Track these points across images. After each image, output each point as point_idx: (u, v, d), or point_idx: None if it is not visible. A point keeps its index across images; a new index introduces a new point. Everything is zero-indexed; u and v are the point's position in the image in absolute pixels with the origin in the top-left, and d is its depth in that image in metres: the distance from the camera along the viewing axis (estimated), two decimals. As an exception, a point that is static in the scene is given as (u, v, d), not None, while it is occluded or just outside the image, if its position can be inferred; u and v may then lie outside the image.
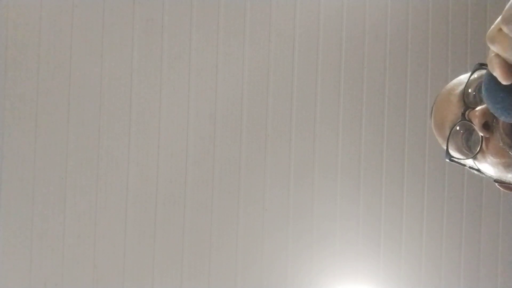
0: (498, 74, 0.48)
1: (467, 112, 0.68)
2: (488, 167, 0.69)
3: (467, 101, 0.69)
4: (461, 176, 2.40)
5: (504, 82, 0.49)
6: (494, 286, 2.42)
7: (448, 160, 0.72)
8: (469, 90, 0.69)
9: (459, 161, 0.72)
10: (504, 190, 0.74)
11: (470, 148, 0.69)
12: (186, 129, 2.09)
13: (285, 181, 2.18)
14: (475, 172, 0.74)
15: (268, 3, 2.18)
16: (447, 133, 0.71)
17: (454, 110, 0.70)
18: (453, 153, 0.72)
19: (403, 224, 2.31)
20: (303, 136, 2.21)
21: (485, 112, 0.65)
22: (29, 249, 1.95)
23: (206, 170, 2.10)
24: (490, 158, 0.67)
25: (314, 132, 2.22)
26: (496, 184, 0.75)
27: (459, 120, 0.69)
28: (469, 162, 0.71)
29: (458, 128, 0.70)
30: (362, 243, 2.25)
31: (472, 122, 0.67)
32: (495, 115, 0.56)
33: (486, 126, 0.65)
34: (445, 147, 0.72)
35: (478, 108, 0.66)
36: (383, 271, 2.26)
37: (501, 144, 0.64)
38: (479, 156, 0.68)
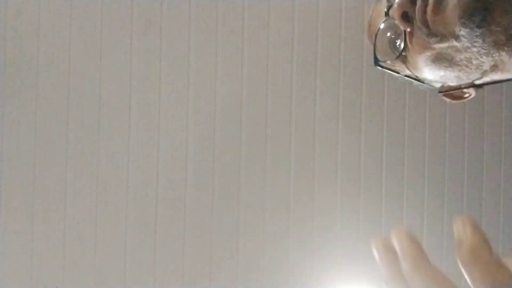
0: None
1: (390, 10, 0.65)
2: (421, 69, 0.66)
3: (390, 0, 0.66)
4: (461, 174, 2.41)
5: None
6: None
7: (379, 67, 0.70)
8: None
9: (388, 66, 0.69)
10: (451, 100, 0.71)
11: (398, 49, 0.66)
12: (186, 130, 2.09)
13: (286, 180, 2.18)
14: (416, 82, 0.70)
15: (267, 4, 2.18)
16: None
17: (382, 14, 0.68)
18: (382, 58, 0.69)
19: (403, 222, 2.31)
20: (303, 136, 2.21)
21: (402, 3, 0.62)
22: (29, 252, 1.94)
23: (206, 170, 2.10)
24: (417, 54, 0.64)
25: (314, 132, 2.22)
26: (442, 96, 0.71)
27: (384, 19, 0.66)
28: (403, 69, 0.68)
29: (383, 27, 0.67)
30: (363, 242, 2.25)
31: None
32: None
33: (405, 18, 0.62)
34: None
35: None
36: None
37: (420, 34, 0.62)
38: (408, 56, 0.65)
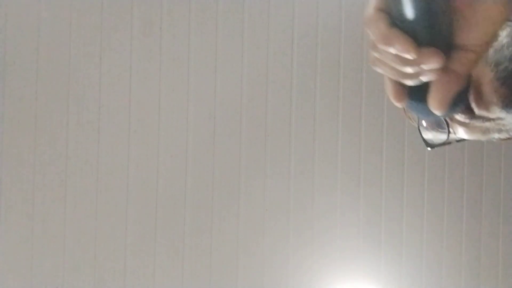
0: (390, 97, 0.48)
1: None
2: (467, 137, 0.69)
3: None
4: (461, 174, 2.40)
5: (396, 104, 0.48)
6: (495, 282, 2.42)
7: (430, 149, 0.73)
8: None
9: (440, 142, 0.72)
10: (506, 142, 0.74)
11: (441, 126, 0.69)
12: (186, 130, 2.09)
13: (285, 180, 2.18)
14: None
15: (267, 4, 2.18)
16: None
17: None
18: (432, 137, 0.72)
19: (403, 222, 2.31)
20: (303, 135, 2.21)
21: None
22: (29, 252, 1.94)
23: (206, 170, 2.10)
24: (460, 130, 0.67)
25: (314, 132, 2.22)
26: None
27: None
28: (452, 137, 0.71)
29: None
30: (363, 242, 2.25)
31: None
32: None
33: None
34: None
35: None
36: (384, 267, 2.26)
37: (461, 117, 0.64)
38: (453, 130, 0.68)
